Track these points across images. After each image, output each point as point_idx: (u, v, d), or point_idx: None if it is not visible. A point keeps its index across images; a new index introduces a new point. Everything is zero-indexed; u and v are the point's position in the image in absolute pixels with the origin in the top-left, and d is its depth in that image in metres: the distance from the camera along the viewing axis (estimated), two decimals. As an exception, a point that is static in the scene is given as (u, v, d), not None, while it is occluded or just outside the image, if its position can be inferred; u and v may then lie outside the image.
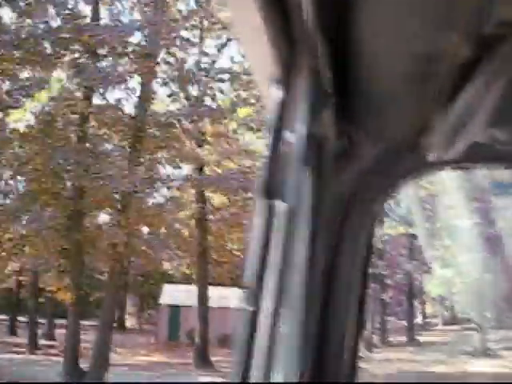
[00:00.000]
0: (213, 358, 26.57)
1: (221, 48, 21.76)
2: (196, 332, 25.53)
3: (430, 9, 0.81)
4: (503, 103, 0.96)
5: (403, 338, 35.57)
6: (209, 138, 22.68)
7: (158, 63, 18.07)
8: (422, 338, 36.38)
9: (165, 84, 19.19)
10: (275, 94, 0.87)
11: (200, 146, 21.75)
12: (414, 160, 1.17)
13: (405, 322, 36.60)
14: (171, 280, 35.74)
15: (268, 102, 0.91)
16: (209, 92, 19.96)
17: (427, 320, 42.96)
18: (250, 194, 22.01)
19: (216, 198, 25.28)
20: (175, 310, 33.47)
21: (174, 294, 33.97)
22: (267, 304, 0.78)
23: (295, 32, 0.81)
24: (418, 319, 42.21)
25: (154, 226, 19.73)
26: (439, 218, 34.16)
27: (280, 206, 0.82)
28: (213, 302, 34.74)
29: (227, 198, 23.93)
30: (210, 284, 35.33)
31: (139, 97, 18.23)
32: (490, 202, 23.10)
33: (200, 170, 21.86)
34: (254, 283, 0.80)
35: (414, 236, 34.79)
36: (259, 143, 22.94)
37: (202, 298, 24.39)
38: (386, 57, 0.94)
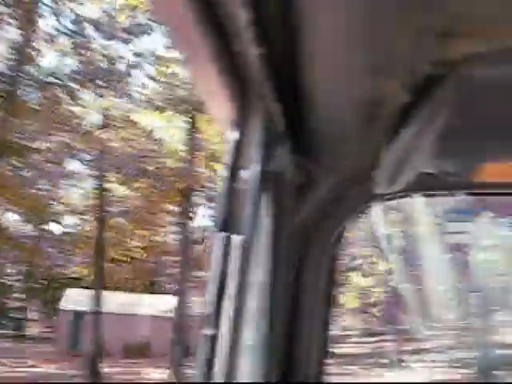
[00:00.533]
0: (111, 370, 22.87)
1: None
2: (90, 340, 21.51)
3: (369, 58, 0.87)
4: (445, 136, 0.98)
5: (318, 350, 33.03)
6: (112, 122, 19.03)
7: (38, 15, 14.44)
8: (337, 349, 34.02)
9: (52, 40, 15.38)
10: (231, 133, 0.89)
11: (104, 127, 18.14)
12: (365, 191, 1.23)
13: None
14: (85, 284, 31.65)
15: (226, 142, 0.93)
16: (105, 53, 16.32)
17: (343, 332, 40.62)
18: (152, 182, 18.44)
19: (118, 192, 21.58)
20: (77, 316, 29.43)
21: (78, 299, 29.92)
22: (226, 327, 0.82)
23: (246, 75, 0.84)
24: (335, 330, 39.90)
25: (26, 208, 15.56)
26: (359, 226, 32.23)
27: (236, 238, 0.85)
28: (119, 309, 31.14)
29: (129, 189, 20.25)
30: (118, 289, 31.56)
31: (15, 50, 14.45)
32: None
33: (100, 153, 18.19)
34: (213, 310, 0.83)
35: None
36: (164, 125, 19.31)
37: (96, 301, 20.43)
38: (334, 100, 0.99)
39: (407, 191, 1.25)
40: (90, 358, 20.84)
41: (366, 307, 40.30)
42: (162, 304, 30.80)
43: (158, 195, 18.40)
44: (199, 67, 0.84)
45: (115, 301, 32.19)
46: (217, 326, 0.80)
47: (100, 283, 20.86)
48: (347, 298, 35.22)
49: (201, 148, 18.91)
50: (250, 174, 0.86)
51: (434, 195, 1.33)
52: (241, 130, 0.88)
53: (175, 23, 0.79)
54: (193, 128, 18.48)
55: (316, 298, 1.18)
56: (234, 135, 0.89)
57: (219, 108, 0.92)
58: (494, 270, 19.24)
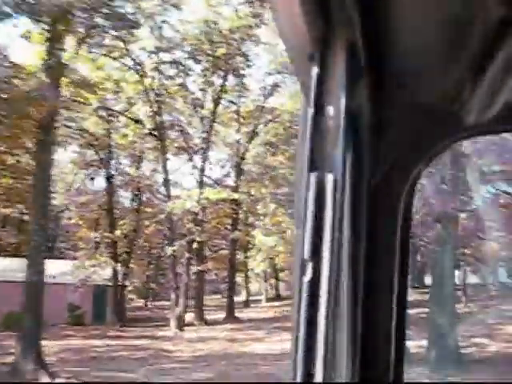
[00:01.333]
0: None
1: None
2: None
3: None
4: None
5: (223, 316, 30.22)
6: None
7: None
8: (243, 314, 31.65)
9: None
10: (311, 69, 0.86)
11: None
12: (449, 126, 1.15)
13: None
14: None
15: (303, 78, 0.91)
16: None
17: (251, 297, 38.13)
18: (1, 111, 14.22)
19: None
20: None
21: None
22: (324, 275, 0.78)
23: (332, 5, 0.82)
24: (243, 296, 37.27)
25: None
26: (264, 184, 29.49)
27: (330, 177, 0.82)
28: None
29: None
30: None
31: None
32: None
33: None
34: (310, 257, 0.79)
35: (237, 202, 29.17)
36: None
37: None
38: (418, 24, 0.94)
39: (496, 124, 1.10)
40: None
41: (274, 271, 38.02)
42: (51, 269, 26.68)
43: (9, 127, 14.27)
44: None
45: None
46: (315, 272, 0.76)
47: None
48: (255, 263, 32.64)
49: (65, 71, 14.85)
50: (333, 110, 0.83)
51: None
52: (322, 63, 0.84)
53: None
54: (55, 44, 14.35)
55: (391, 274, 1.02)
56: (315, 69, 0.84)
57: (298, 40, 0.85)
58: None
